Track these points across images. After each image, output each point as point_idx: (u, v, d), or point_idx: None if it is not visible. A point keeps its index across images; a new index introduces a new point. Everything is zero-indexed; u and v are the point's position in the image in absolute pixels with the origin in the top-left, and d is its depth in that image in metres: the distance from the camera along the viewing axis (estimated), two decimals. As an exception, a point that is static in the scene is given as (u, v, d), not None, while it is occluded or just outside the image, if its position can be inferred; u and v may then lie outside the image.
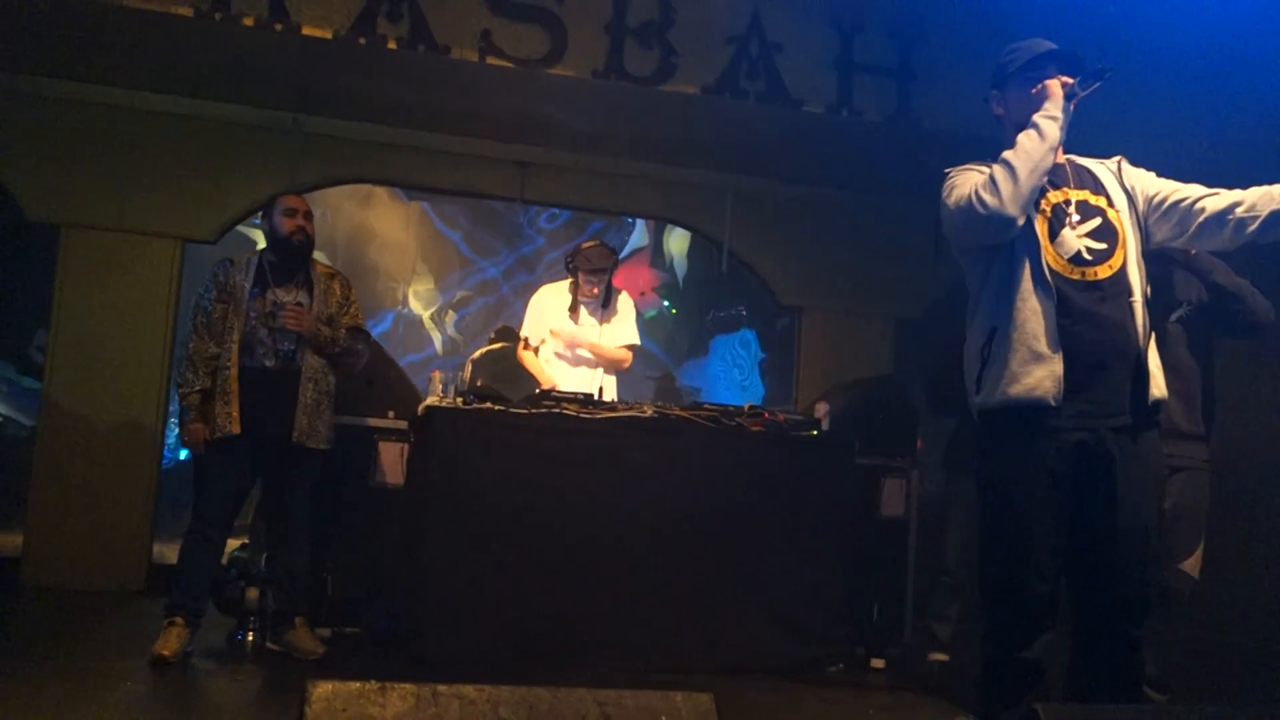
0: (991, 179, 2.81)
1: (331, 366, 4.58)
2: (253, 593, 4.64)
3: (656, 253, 13.00)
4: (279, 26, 5.14)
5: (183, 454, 8.88)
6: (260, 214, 4.77)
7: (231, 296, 4.49)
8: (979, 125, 5.67)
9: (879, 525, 5.42)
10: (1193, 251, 3.65)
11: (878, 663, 5.09)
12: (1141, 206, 2.99)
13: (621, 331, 5.70)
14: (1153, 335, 2.91)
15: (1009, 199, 2.78)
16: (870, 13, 5.91)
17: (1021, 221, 2.85)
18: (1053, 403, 2.79)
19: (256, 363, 4.44)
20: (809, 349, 7.21)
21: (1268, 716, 2.39)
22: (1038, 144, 2.82)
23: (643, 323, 11.24)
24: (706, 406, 5.08)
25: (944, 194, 2.99)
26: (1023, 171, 2.79)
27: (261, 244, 4.84)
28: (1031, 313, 2.83)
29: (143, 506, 6.00)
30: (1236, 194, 2.92)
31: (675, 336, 12.79)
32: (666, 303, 12.94)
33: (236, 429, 4.35)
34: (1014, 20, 4.94)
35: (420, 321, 13.10)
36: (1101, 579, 2.88)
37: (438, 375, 4.94)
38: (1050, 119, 2.85)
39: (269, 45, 5.35)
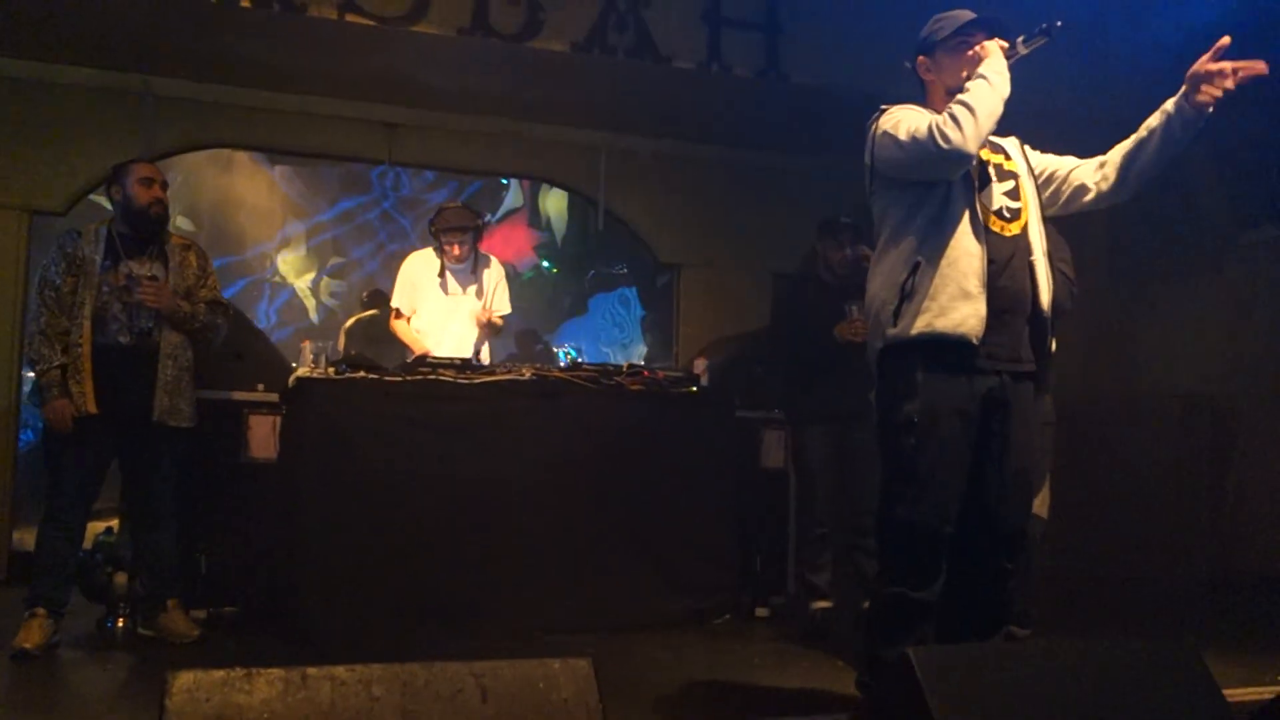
0: (953, 117, 2.87)
1: (190, 341, 4.40)
2: (121, 578, 4.44)
3: (533, 212, 12.85)
4: (124, -16, 4.88)
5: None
6: (106, 183, 4.51)
7: (81, 269, 4.25)
8: (845, 79, 5.74)
9: (760, 477, 5.48)
10: None
11: (762, 612, 5.18)
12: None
13: (495, 302, 5.63)
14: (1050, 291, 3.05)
15: (971, 137, 2.86)
16: (736, -34, 5.89)
17: (974, 163, 2.97)
18: (975, 341, 2.90)
19: (110, 339, 4.23)
20: (688, 305, 7.21)
21: (1120, 645, 2.51)
22: (990, 92, 2.91)
23: (520, 283, 11.05)
24: (585, 366, 5.07)
25: (884, 126, 3.04)
26: (982, 113, 2.87)
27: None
28: (964, 252, 2.93)
29: (-1, 492, 5.72)
30: (1099, 158, 3.13)
31: (555, 296, 12.68)
32: (545, 263, 12.82)
33: (92, 408, 4.14)
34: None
35: (294, 291, 12.68)
36: (986, 518, 3.00)
37: (308, 345, 4.80)
38: (999, 73, 2.94)
39: (114, 3, 5.07)
